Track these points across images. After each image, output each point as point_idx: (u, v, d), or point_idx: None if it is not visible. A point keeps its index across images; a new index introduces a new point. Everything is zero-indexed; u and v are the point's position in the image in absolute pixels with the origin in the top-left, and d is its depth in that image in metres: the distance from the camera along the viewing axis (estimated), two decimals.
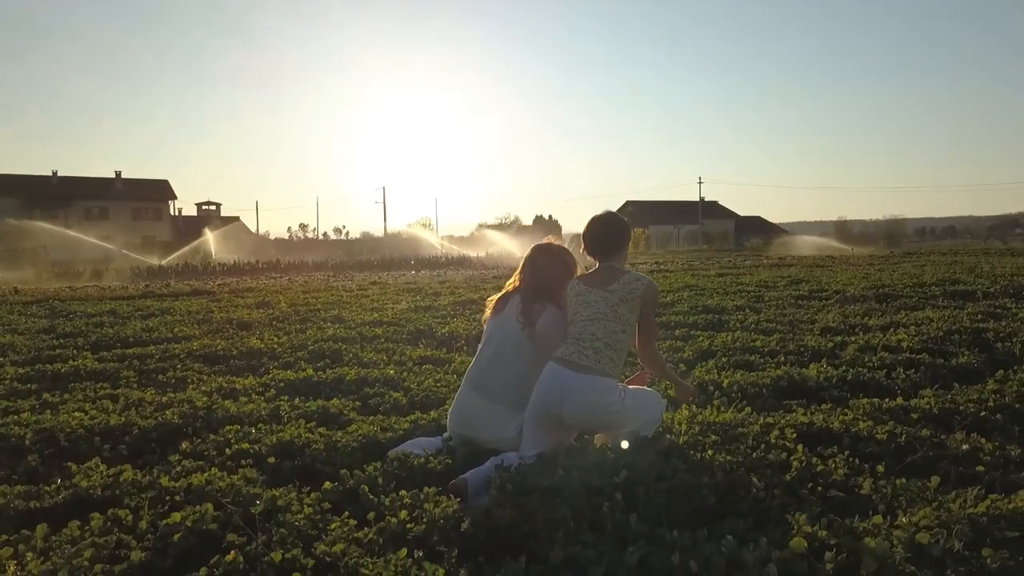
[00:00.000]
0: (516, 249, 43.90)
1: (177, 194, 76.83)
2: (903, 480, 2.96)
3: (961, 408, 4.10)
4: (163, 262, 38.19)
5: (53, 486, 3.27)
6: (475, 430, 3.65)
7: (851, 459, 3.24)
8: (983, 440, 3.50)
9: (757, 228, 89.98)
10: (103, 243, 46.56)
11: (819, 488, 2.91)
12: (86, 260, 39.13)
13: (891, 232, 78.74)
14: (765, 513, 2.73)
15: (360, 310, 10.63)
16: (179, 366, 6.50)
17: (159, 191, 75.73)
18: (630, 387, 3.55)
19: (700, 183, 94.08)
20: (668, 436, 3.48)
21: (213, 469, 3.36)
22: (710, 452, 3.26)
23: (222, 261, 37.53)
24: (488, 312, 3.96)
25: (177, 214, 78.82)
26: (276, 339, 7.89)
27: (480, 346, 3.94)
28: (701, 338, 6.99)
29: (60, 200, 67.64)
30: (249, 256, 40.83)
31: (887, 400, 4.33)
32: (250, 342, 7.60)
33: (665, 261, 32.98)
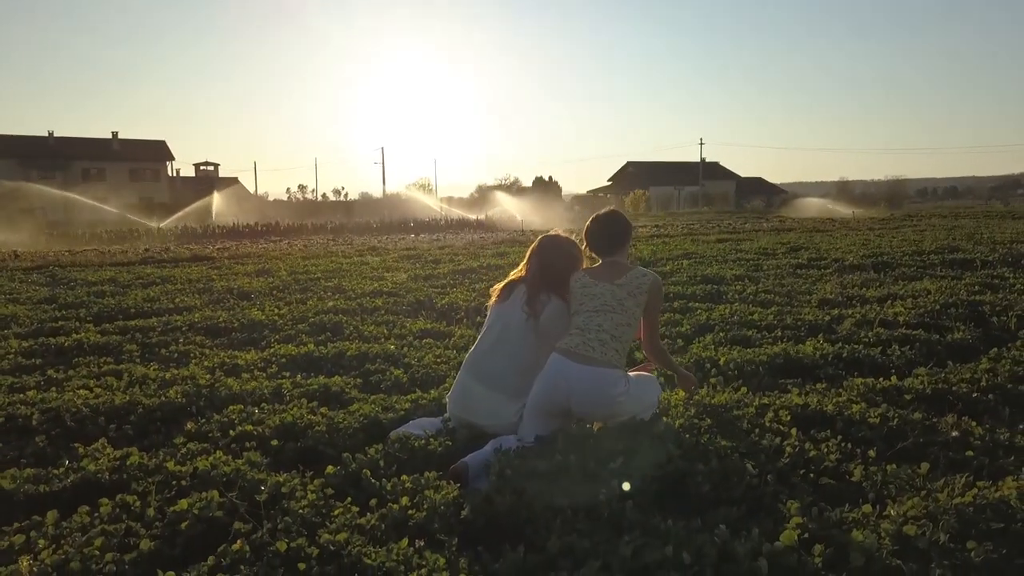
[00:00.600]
0: (516, 211, 43.55)
1: (175, 155, 76.34)
2: (893, 466, 3.03)
3: (954, 388, 4.16)
4: (162, 224, 38.16)
5: (61, 468, 3.34)
6: (474, 414, 3.70)
7: (843, 444, 3.30)
8: (974, 424, 3.56)
9: (758, 189, 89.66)
10: (101, 204, 46.43)
11: (811, 475, 2.98)
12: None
13: (893, 193, 78.48)
14: (758, 500, 2.80)
15: (360, 279, 10.66)
16: (181, 339, 6.55)
17: (156, 152, 75.23)
18: (631, 374, 3.60)
19: (701, 144, 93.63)
20: (664, 419, 3.54)
21: (218, 452, 3.42)
22: (705, 436, 3.32)
23: (222, 224, 37.48)
24: (493, 299, 3.99)
25: (175, 175, 78.42)
26: (277, 310, 7.94)
27: (482, 332, 3.97)
28: (699, 311, 7.04)
29: (57, 161, 67.20)
30: (249, 219, 40.81)
31: (881, 379, 4.39)
32: (251, 313, 7.65)
33: (665, 224, 32.96)
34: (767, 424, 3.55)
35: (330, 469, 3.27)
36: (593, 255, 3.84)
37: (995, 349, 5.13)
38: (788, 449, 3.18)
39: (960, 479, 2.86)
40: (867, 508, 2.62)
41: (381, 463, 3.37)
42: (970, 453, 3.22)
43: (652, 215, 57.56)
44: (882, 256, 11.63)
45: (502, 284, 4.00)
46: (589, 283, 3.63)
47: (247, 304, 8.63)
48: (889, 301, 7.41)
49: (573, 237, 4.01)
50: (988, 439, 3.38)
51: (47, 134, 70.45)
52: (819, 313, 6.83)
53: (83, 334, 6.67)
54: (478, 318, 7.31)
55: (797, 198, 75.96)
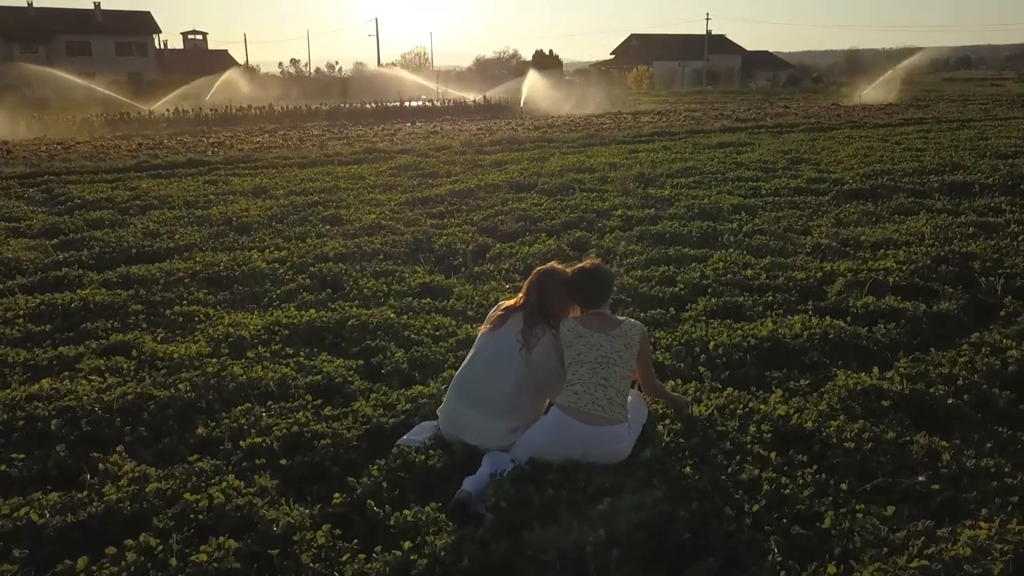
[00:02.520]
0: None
1: (160, 27, 73.58)
2: (862, 508, 3.25)
3: (931, 391, 4.34)
4: (153, 108, 37.35)
5: (84, 493, 3.56)
6: (466, 435, 3.87)
7: (818, 475, 3.51)
8: (944, 445, 3.77)
9: (764, 63, 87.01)
10: (89, 83, 45.20)
11: (784, 519, 3.20)
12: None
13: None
14: (734, 550, 3.04)
15: (357, 205, 10.66)
16: (185, 296, 6.69)
17: (142, 24, 72.45)
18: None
19: (708, 19, 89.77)
20: (648, 450, 3.72)
21: (231, 476, 3.64)
22: (688, 468, 3.52)
23: (214, 107, 36.63)
24: (486, 327, 4.08)
25: (163, 47, 75.90)
26: (277, 251, 8.04)
27: (471, 355, 4.07)
28: (693, 263, 7.12)
29: (39, 34, 64.84)
30: (242, 101, 39.93)
31: (863, 375, 4.56)
32: (251, 258, 7.74)
33: (666, 111, 32.26)
34: (748, 445, 3.76)
35: (337, 498, 3.50)
36: (576, 303, 3.92)
37: (976, 333, 5.27)
38: (765, 485, 3.40)
39: (920, 528, 3.09)
40: (832, 569, 2.85)
41: (384, 484, 3.61)
42: (936, 487, 3.43)
43: (655, 94, 56.30)
44: (882, 177, 11.57)
45: (497, 312, 4.08)
46: (584, 332, 3.72)
47: (246, 241, 8.70)
48: (882, 250, 7.50)
49: (568, 270, 4.05)
50: (955, 466, 3.59)
51: (26, 4, 67.61)
52: (811, 267, 6.94)
53: (88, 290, 6.79)
54: (476, 268, 7.42)
55: (804, 71, 73.79)
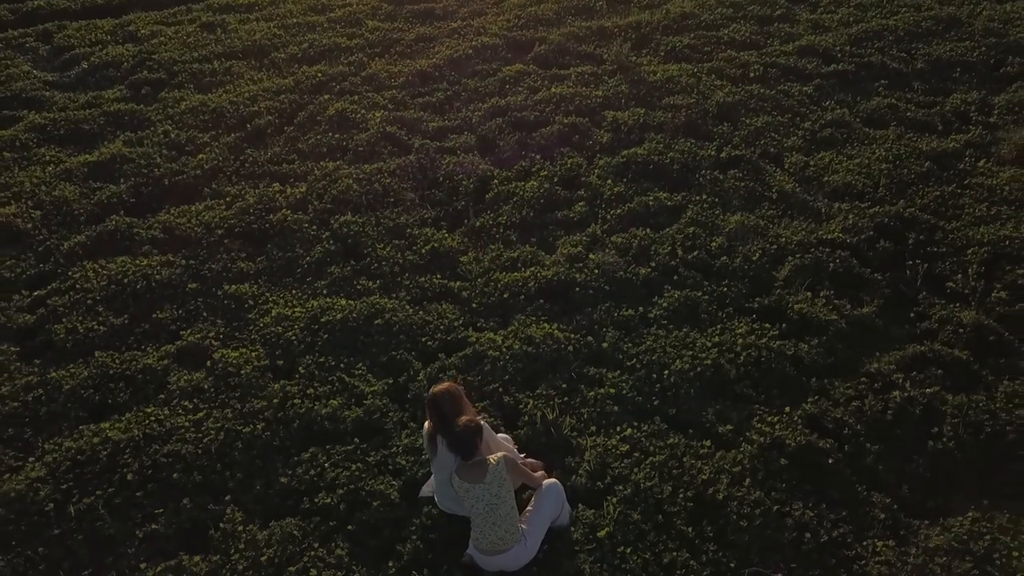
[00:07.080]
0: None
1: None
2: None
3: (821, 444, 5.81)
4: None
5: (216, 556, 5.24)
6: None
7: (717, 552, 5.16)
8: (811, 515, 5.36)
9: None
10: None
11: None
12: None
13: None
14: None
15: (362, 91, 11.04)
16: (229, 266, 7.86)
17: None
18: (532, 514, 5.08)
19: None
20: (604, 526, 5.30)
21: (316, 545, 5.29)
22: (629, 550, 5.16)
23: None
24: (427, 448, 5.28)
25: None
26: (297, 187, 8.95)
27: (434, 475, 5.38)
28: (667, 231, 8.06)
29: None
30: None
31: (775, 420, 6.02)
32: (275, 199, 8.70)
33: None
34: (674, 519, 5.35)
35: (391, 567, 5.18)
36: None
37: (876, 363, 6.55)
38: (679, 571, 5.06)
39: None
40: None
41: (421, 547, 5.28)
42: (794, 566, 5.11)
43: None
44: (872, 43, 11.71)
45: (425, 442, 5.29)
46: (468, 487, 4.80)
47: (264, 162, 9.48)
48: (837, 204, 8.40)
49: (449, 383, 5.27)
50: (812, 543, 5.22)
51: None
52: (769, 235, 7.93)
53: (145, 259, 7.94)
54: (478, 223, 8.40)
55: None
